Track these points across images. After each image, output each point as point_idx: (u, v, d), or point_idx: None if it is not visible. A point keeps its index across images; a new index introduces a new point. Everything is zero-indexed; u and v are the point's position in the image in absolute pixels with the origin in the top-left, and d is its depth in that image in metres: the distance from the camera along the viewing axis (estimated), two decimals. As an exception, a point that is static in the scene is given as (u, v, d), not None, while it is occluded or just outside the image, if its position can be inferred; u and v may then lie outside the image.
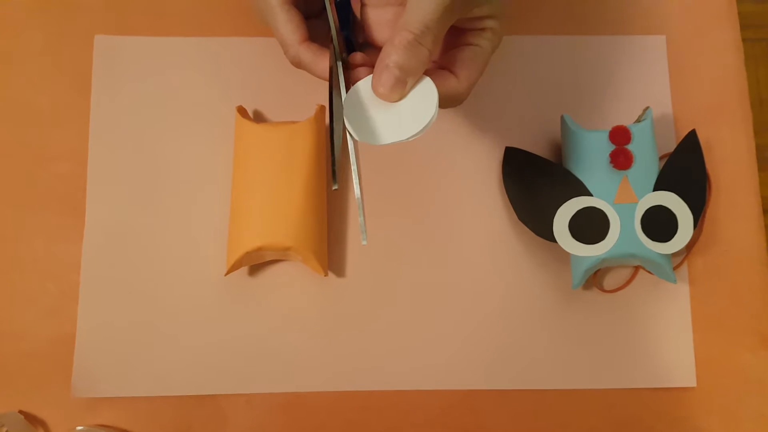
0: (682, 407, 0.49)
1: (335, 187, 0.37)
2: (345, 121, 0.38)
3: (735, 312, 0.50)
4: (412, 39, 0.36)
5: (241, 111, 0.50)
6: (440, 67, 0.40)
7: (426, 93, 0.38)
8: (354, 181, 0.39)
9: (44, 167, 0.51)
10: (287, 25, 0.41)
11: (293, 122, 0.49)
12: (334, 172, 0.36)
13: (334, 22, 0.40)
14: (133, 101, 0.52)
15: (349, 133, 0.38)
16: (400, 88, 0.37)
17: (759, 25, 1.18)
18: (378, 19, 0.42)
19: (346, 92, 0.39)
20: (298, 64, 0.42)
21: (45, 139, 0.51)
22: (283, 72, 0.51)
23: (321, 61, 0.41)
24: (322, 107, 0.50)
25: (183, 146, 0.51)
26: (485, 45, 0.40)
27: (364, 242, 0.38)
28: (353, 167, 0.39)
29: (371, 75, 0.38)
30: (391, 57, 0.36)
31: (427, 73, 0.38)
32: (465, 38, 0.40)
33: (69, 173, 0.51)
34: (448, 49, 0.41)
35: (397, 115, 0.38)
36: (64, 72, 0.52)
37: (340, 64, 0.39)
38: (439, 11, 0.36)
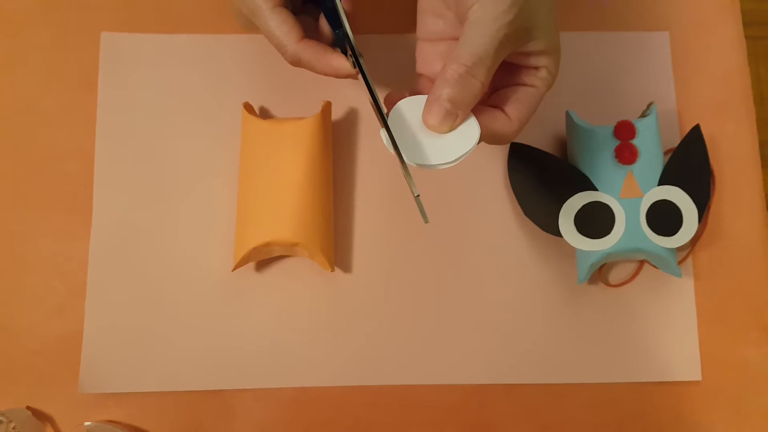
0: (687, 401, 0.49)
1: (427, 221, 0.38)
2: (383, 135, 0.38)
3: (740, 306, 0.50)
4: (463, 72, 0.35)
5: (248, 107, 0.50)
6: (492, 105, 0.39)
7: (467, 128, 0.37)
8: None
9: (51, 166, 0.51)
10: (282, 26, 0.41)
11: (300, 118, 0.49)
12: (421, 209, 0.37)
13: (345, 23, 0.40)
14: (140, 99, 0.52)
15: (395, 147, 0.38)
16: (450, 121, 0.36)
17: (761, 23, 1.18)
18: (431, 53, 0.41)
19: (374, 94, 0.38)
20: (297, 62, 0.42)
21: (52, 137, 0.51)
22: (290, 68, 0.51)
23: (322, 57, 0.41)
24: (329, 103, 0.50)
25: (190, 143, 0.51)
26: (539, 85, 0.39)
27: (427, 221, 0.38)
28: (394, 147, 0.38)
29: (412, 97, 0.38)
30: (443, 90, 0.36)
31: (477, 110, 0.38)
32: (519, 77, 0.39)
33: (76, 171, 0.51)
34: (501, 86, 0.40)
35: (433, 142, 0.37)
36: (71, 69, 0.52)
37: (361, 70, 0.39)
38: (494, 44, 0.35)
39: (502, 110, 0.39)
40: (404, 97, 0.39)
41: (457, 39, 0.37)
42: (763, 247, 0.51)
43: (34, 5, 0.53)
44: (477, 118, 0.37)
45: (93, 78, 0.52)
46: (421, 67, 0.42)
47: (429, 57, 0.41)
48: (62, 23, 0.53)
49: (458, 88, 0.36)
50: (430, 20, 0.41)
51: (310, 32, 0.42)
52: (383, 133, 0.38)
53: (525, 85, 0.39)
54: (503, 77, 0.40)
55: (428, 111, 0.37)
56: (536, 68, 0.39)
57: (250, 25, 0.43)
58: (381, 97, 0.39)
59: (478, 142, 0.37)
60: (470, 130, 0.37)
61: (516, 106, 0.39)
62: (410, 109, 0.38)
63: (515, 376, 0.49)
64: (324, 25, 0.43)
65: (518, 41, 0.37)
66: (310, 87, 0.52)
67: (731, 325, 0.50)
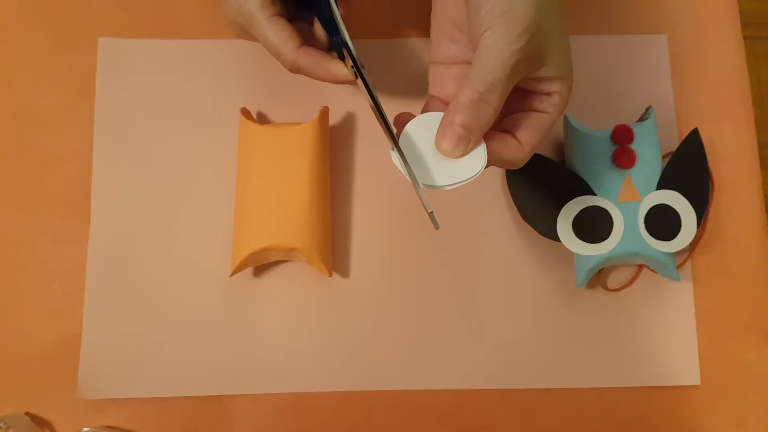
0: (686, 405, 0.49)
1: (437, 227, 0.38)
2: (394, 158, 0.38)
3: (738, 310, 0.50)
4: (476, 98, 0.35)
5: (245, 113, 0.50)
6: (503, 130, 0.39)
7: (476, 151, 0.37)
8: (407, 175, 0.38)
9: (49, 170, 0.51)
10: (279, 35, 0.41)
11: (297, 123, 0.49)
12: (432, 216, 0.37)
13: (342, 28, 0.40)
14: (138, 104, 0.52)
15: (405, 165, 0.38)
16: (463, 145, 0.37)
17: (760, 23, 1.18)
18: (444, 75, 0.41)
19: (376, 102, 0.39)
20: (296, 70, 0.42)
21: (49, 141, 0.51)
22: (287, 74, 0.51)
23: (320, 63, 0.41)
24: (326, 108, 0.50)
25: (187, 148, 0.51)
26: (551, 111, 0.39)
27: (437, 227, 0.38)
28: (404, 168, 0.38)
29: (418, 117, 0.38)
30: (456, 115, 0.36)
31: (489, 136, 0.38)
32: (531, 102, 0.39)
33: (74, 176, 0.51)
34: (513, 111, 0.40)
35: (441, 163, 0.37)
36: (68, 75, 0.52)
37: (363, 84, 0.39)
38: (506, 70, 0.35)
39: (514, 135, 0.39)
40: (413, 117, 0.39)
41: (469, 62, 0.37)
42: (761, 251, 0.51)
43: (33, 10, 0.53)
44: (488, 144, 0.38)
45: (90, 83, 0.52)
46: (434, 89, 0.42)
47: (442, 79, 0.41)
48: (60, 28, 0.53)
49: (471, 113, 0.36)
50: (444, 44, 0.41)
51: (305, 38, 0.42)
52: (394, 155, 0.38)
53: (537, 110, 0.39)
54: (515, 102, 0.40)
55: (442, 136, 0.37)
56: (548, 94, 0.39)
57: (244, 33, 0.43)
58: (389, 115, 0.39)
59: (486, 167, 0.37)
60: (478, 153, 0.37)
61: (528, 131, 0.39)
62: (418, 129, 0.38)
63: (513, 381, 0.49)
64: (318, 30, 0.43)
65: (530, 67, 0.37)
66: (308, 92, 0.52)
67: (730, 329, 0.50)
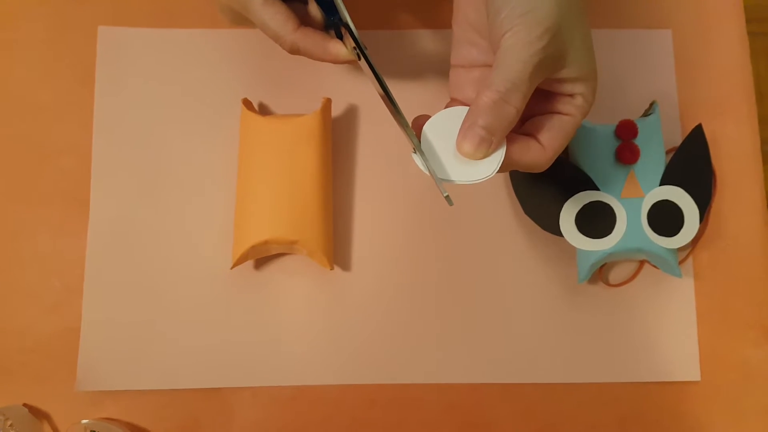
0: (686, 401, 0.49)
1: (451, 203, 0.38)
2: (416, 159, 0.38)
3: (739, 306, 0.50)
4: (497, 98, 0.35)
5: (247, 104, 0.50)
6: (525, 133, 0.39)
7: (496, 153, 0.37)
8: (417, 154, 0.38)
9: (48, 161, 0.51)
10: (277, 17, 0.40)
11: (299, 115, 0.48)
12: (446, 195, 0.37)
13: (343, 13, 0.39)
14: (138, 94, 0.51)
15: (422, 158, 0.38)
16: (485, 147, 0.36)
17: (761, 19, 1.18)
18: (465, 79, 0.41)
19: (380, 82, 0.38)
20: (296, 51, 0.41)
21: (48, 132, 0.51)
22: (289, 64, 0.51)
23: (320, 44, 0.41)
24: (329, 100, 0.49)
25: (188, 139, 0.51)
26: (575, 113, 0.38)
27: (451, 204, 0.38)
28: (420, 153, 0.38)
29: (441, 112, 0.38)
30: (478, 117, 0.36)
31: (511, 138, 0.37)
32: (554, 105, 0.39)
33: (73, 167, 0.50)
34: (535, 114, 0.39)
35: (458, 159, 0.37)
36: (68, 64, 0.52)
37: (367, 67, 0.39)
38: (527, 70, 0.35)
39: (536, 139, 0.38)
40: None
41: (490, 66, 0.36)
42: (763, 247, 0.51)
43: (31, -1, 0.52)
44: (510, 147, 0.37)
45: (90, 73, 0.51)
46: (455, 92, 0.42)
47: (462, 83, 0.41)
48: (59, 17, 0.52)
49: (493, 114, 0.35)
50: (465, 48, 0.41)
51: (301, 19, 0.42)
52: (416, 157, 0.38)
53: (560, 113, 0.38)
54: (538, 104, 0.39)
55: (463, 138, 0.36)
56: (571, 95, 0.38)
57: (239, 19, 0.43)
58: (408, 118, 0.38)
59: (508, 170, 0.37)
60: (497, 154, 0.37)
61: (551, 134, 0.38)
62: (436, 126, 0.38)
63: (514, 376, 0.49)
64: (314, 9, 0.42)
65: (552, 67, 0.36)
66: (311, 83, 0.51)
67: (731, 325, 0.50)
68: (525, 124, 0.39)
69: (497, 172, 0.37)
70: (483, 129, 0.36)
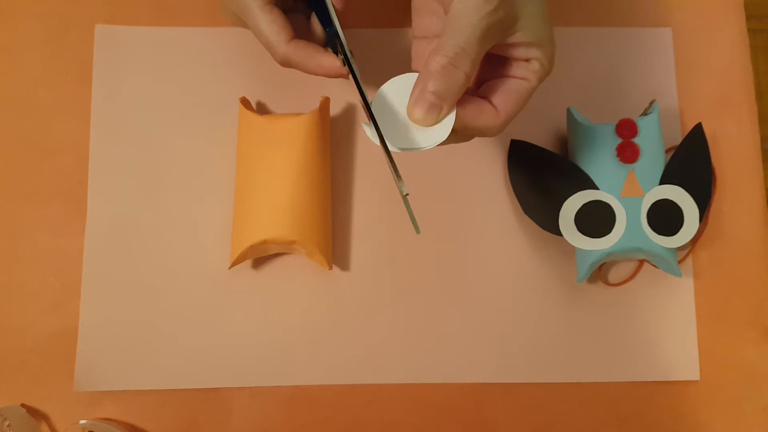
0: (685, 400, 0.49)
1: (418, 232, 0.38)
2: (366, 129, 0.38)
3: (739, 305, 0.50)
4: (446, 63, 0.35)
5: (245, 102, 0.49)
6: (479, 95, 0.39)
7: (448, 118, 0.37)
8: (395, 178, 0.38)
9: (45, 160, 0.50)
10: (272, 26, 0.40)
11: (297, 114, 0.48)
12: (409, 208, 0.37)
13: (335, 21, 0.40)
14: (135, 92, 0.51)
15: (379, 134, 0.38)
16: (435, 113, 0.36)
17: (760, 16, 1.17)
18: (426, 50, 0.40)
19: (363, 92, 0.38)
20: (287, 63, 0.41)
21: (46, 131, 0.51)
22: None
23: (312, 57, 0.40)
24: (327, 99, 0.49)
25: (186, 138, 0.51)
26: (530, 78, 0.38)
27: (418, 232, 0.38)
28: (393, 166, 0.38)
29: (394, 78, 0.38)
30: (427, 82, 0.36)
31: (463, 101, 0.37)
32: (509, 69, 0.38)
33: (70, 166, 0.50)
34: (490, 77, 0.39)
35: (407, 125, 0.37)
36: (65, 62, 0.51)
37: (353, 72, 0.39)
38: (476, 34, 0.35)
39: (490, 101, 0.38)
40: None
41: None
42: (763, 247, 0.50)
43: (27, -4, 0.52)
44: (462, 109, 0.37)
45: (87, 71, 0.51)
46: (416, 64, 0.42)
47: (424, 54, 0.41)
48: (56, 15, 0.52)
49: (442, 79, 0.35)
50: (425, 18, 0.41)
51: (301, 31, 0.42)
52: (367, 128, 0.38)
53: (514, 77, 0.38)
54: (493, 70, 0.39)
55: (414, 104, 0.36)
56: (527, 60, 0.38)
57: (239, 21, 0.42)
58: (371, 95, 0.38)
59: (459, 136, 0.37)
60: (450, 118, 0.37)
61: (504, 97, 0.38)
62: (392, 91, 0.38)
63: (513, 375, 0.49)
64: (315, 23, 0.42)
65: (503, 32, 0.36)
66: (309, 82, 0.51)
67: (730, 325, 0.50)
68: (480, 88, 0.39)
69: (457, 141, 0.37)
70: (432, 95, 0.36)
